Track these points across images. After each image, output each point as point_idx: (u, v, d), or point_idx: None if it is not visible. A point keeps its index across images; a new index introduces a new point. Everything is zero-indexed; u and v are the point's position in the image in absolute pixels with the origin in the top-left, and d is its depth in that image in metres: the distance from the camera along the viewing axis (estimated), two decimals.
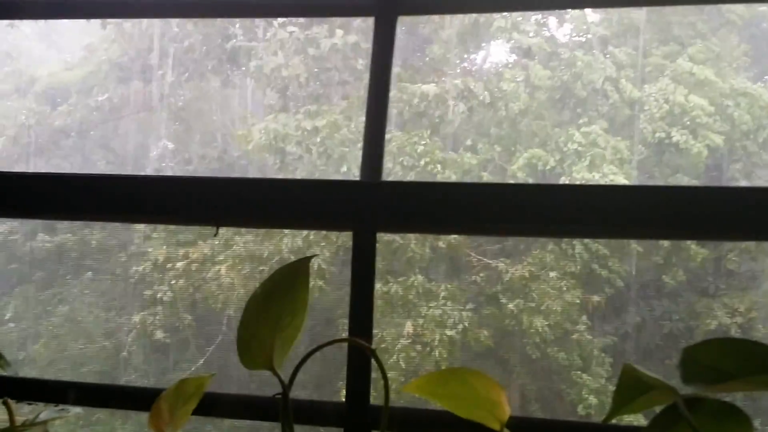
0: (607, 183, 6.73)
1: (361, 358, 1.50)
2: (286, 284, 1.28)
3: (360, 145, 7.30)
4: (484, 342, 6.89)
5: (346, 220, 1.53)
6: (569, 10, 7.72)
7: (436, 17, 7.75)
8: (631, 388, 1.05)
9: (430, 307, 6.82)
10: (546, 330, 6.92)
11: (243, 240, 6.92)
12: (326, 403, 1.58)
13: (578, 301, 7.00)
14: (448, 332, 6.70)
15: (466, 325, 6.75)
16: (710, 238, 5.66)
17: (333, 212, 1.51)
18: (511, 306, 6.94)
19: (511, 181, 7.02)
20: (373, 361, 1.56)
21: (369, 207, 1.50)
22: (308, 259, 1.31)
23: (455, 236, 6.73)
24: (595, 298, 7.05)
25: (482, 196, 1.38)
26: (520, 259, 7.08)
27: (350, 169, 7.24)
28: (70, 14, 2.40)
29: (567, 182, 6.91)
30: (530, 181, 7.06)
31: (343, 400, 1.48)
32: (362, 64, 7.55)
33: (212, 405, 1.46)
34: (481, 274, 7.19)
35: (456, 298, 6.90)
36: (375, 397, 1.51)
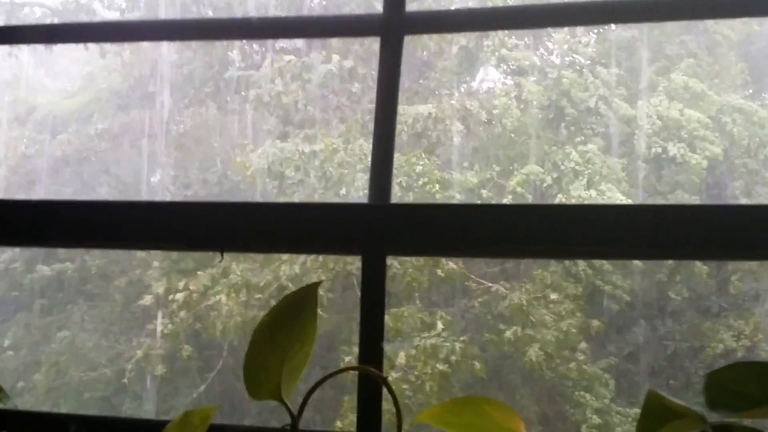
0: (609, 201, 6.71)
1: (372, 387, 1.45)
2: (294, 312, 1.23)
3: (359, 167, 7.37)
4: (478, 371, 6.83)
5: (354, 243, 1.49)
6: (560, 31, 7.75)
7: (432, 45, 7.80)
8: (656, 415, 1.01)
9: (425, 336, 6.75)
10: (547, 351, 6.87)
11: (240, 268, 6.88)
12: None
13: (580, 320, 6.96)
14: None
15: (462, 346, 6.70)
16: (714, 258, 5.62)
17: (341, 236, 1.47)
18: (513, 329, 6.89)
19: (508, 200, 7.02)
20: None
21: (378, 230, 1.46)
22: (316, 285, 1.27)
23: (455, 261, 6.70)
24: (596, 323, 7.00)
25: (497, 217, 1.34)
26: (522, 280, 7.04)
27: (348, 192, 7.22)
28: (69, 39, 2.38)
29: (563, 200, 6.91)
30: (530, 198, 7.05)
31: (339, 424, 1.44)
32: (357, 87, 7.55)
33: None
34: (480, 299, 7.15)
35: (452, 326, 6.85)
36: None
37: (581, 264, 6.91)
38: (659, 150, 7.13)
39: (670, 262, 7.01)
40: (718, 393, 1.01)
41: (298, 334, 1.19)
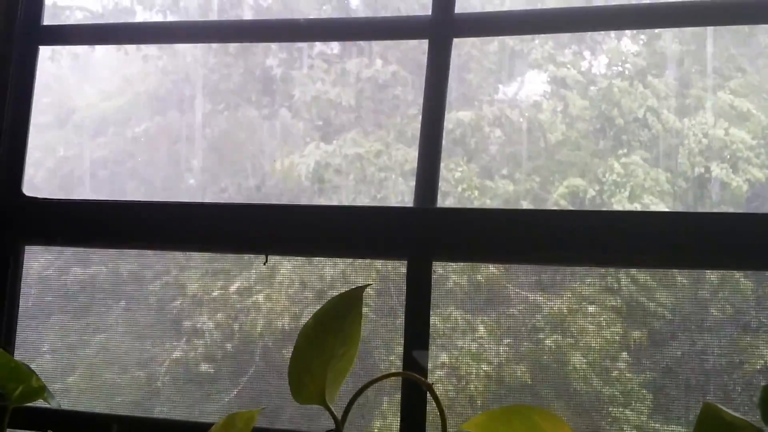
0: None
1: (416, 394, 1.43)
2: (340, 314, 1.22)
3: (397, 171, 7.38)
4: (521, 377, 6.76)
5: (400, 248, 1.48)
6: (608, 41, 7.70)
7: (473, 51, 7.79)
8: (711, 428, 0.98)
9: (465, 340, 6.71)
10: (585, 364, 6.78)
11: (283, 269, 6.89)
12: None
13: (618, 334, 6.86)
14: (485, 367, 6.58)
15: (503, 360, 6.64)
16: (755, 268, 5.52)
17: (386, 240, 1.46)
18: (548, 342, 6.81)
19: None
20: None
21: (424, 234, 1.45)
22: (362, 288, 1.26)
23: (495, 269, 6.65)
24: (634, 337, 6.90)
25: (551, 223, 1.32)
26: (559, 292, 6.97)
27: (386, 196, 7.22)
28: (111, 40, 2.41)
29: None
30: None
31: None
32: (400, 90, 7.58)
33: None
34: (519, 307, 7.07)
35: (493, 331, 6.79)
36: None
37: (619, 278, 6.81)
38: (702, 170, 7.03)
39: (713, 277, 6.89)
40: None
41: (343, 338, 1.18)
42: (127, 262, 8.06)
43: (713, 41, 7.36)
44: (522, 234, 1.35)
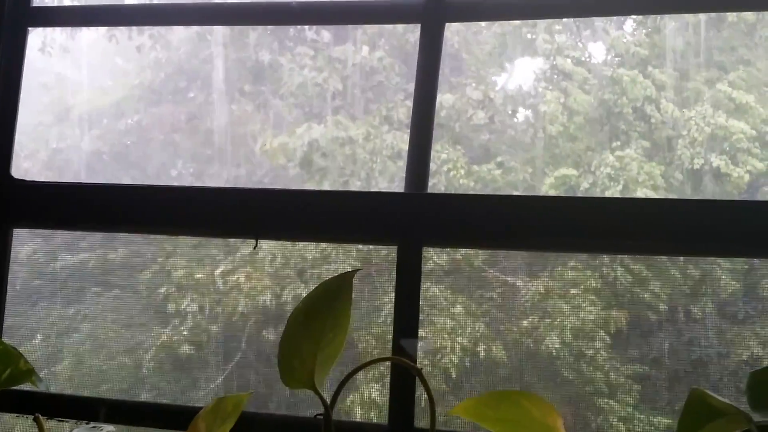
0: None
1: (405, 378, 1.43)
2: (329, 299, 1.22)
3: (384, 155, 7.39)
4: (500, 361, 6.78)
5: (391, 233, 1.47)
6: (604, 28, 7.68)
7: (460, 40, 7.79)
8: (699, 413, 0.98)
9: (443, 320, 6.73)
10: (567, 353, 6.81)
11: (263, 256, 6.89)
12: (369, 425, 1.53)
13: (601, 322, 6.89)
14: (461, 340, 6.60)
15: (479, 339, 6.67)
16: (742, 255, 5.54)
17: (377, 225, 1.46)
18: (525, 323, 6.84)
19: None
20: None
21: (415, 220, 1.44)
22: (352, 273, 1.26)
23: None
24: (617, 326, 6.92)
25: (541, 209, 1.31)
26: (541, 277, 6.98)
27: (374, 178, 7.23)
28: (100, 22, 2.40)
29: None
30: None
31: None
32: (384, 76, 7.61)
33: (250, 425, 1.41)
34: (498, 290, 7.09)
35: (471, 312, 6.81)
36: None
37: (607, 266, 6.83)
38: (702, 161, 7.01)
39: (696, 272, 6.89)
40: (762, 392, 0.99)
41: (332, 323, 1.18)
42: (115, 247, 8.03)
43: (714, 33, 7.36)
44: (513, 220, 1.35)
